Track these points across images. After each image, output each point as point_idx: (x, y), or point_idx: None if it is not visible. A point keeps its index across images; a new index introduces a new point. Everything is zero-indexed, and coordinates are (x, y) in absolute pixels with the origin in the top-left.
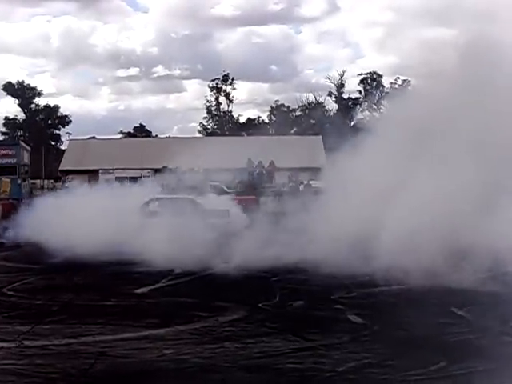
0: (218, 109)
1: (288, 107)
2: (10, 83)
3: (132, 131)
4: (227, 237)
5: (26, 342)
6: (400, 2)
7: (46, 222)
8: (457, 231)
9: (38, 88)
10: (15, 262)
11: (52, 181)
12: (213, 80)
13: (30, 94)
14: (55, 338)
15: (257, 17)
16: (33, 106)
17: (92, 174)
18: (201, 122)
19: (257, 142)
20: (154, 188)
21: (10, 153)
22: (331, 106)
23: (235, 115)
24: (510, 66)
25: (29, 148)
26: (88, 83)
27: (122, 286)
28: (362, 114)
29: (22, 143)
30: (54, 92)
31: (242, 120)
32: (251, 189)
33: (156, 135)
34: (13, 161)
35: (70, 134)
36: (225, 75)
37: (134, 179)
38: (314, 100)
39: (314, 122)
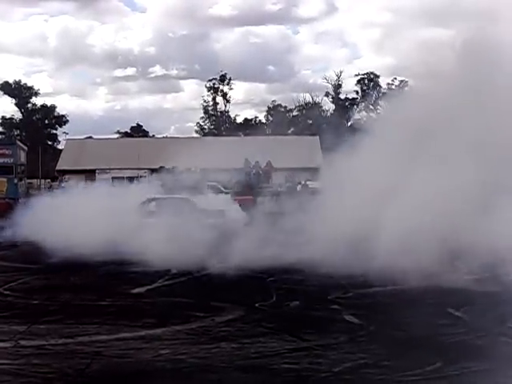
0: (215, 109)
1: (285, 107)
2: (6, 83)
3: (129, 131)
4: (224, 237)
5: (23, 342)
6: (398, 3)
7: (43, 221)
8: (454, 231)
9: (35, 87)
10: (12, 262)
11: (49, 180)
12: (210, 80)
13: (27, 94)
14: (51, 337)
15: (254, 17)
16: (30, 105)
17: (89, 174)
18: (198, 122)
19: (254, 142)
20: (150, 188)
21: (6, 152)
22: (328, 106)
23: (232, 115)
24: (508, 65)
25: (25, 148)
26: (85, 83)
27: (119, 285)
28: (359, 115)
29: (18, 143)
30: (50, 92)
31: (239, 120)
32: (248, 189)
33: (153, 135)
34: (9, 160)
35: (66, 133)
36: (222, 75)
37: (130, 179)
38: (311, 100)
39: (311, 122)
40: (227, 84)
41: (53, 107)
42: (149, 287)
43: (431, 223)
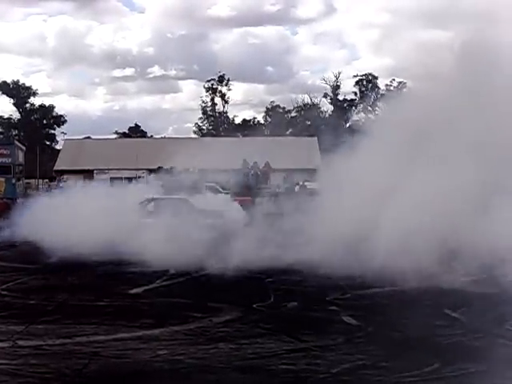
0: (213, 109)
1: (283, 108)
2: (5, 82)
3: (127, 131)
4: (222, 237)
5: (20, 342)
6: (396, 4)
7: (41, 221)
8: (452, 232)
9: (34, 87)
10: (9, 262)
11: (47, 180)
12: (208, 81)
13: (25, 94)
14: (49, 337)
15: (253, 18)
16: (28, 105)
17: (87, 174)
18: (196, 123)
19: (252, 142)
20: (148, 188)
21: (4, 152)
22: (327, 107)
23: (231, 116)
24: (506, 67)
25: (23, 147)
26: (83, 83)
27: (117, 286)
28: (357, 116)
29: (16, 143)
30: (49, 92)
31: (238, 121)
32: (246, 190)
33: (151, 135)
34: (7, 160)
35: (65, 133)
36: (220, 76)
37: (129, 180)
38: (309, 101)
39: (309, 123)
40: (226, 85)
41: (51, 107)
42: (147, 288)
43: (429, 224)
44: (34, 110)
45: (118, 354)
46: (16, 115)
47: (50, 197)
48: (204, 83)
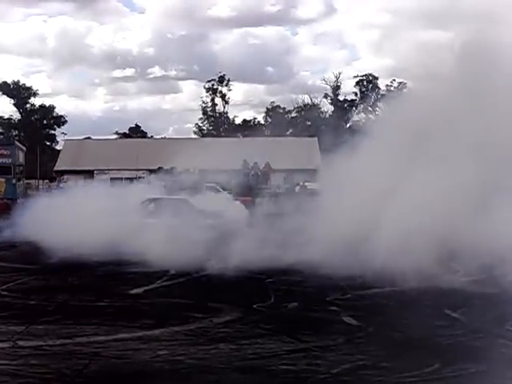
0: (213, 110)
1: (284, 109)
2: (5, 83)
3: (127, 132)
4: (222, 238)
5: (21, 343)
6: (396, 4)
7: (41, 222)
8: (452, 232)
9: (34, 88)
10: (10, 262)
11: (47, 181)
12: (209, 81)
13: (26, 94)
14: (49, 338)
15: (253, 18)
16: (28, 105)
17: (87, 175)
18: (196, 123)
19: (252, 143)
20: (149, 188)
21: (5, 153)
22: (327, 107)
23: (231, 116)
24: (507, 67)
25: (24, 148)
26: (84, 83)
27: (117, 286)
28: (357, 116)
29: (17, 143)
30: (49, 92)
31: (238, 121)
32: (247, 190)
33: (151, 136)
34: (8, 161)
35: (65, 134)
36: (221, 76)
37: (129, 180)
38: (309, 102)
39: (309, 123)
40: (226, 85)
41: (51, 107)
42: (147, 288)
43: (429, 224)
44: (35, 110)
45: (119, 354)
46: (16, 116)
47: (50, 197)
48: (204, 84)
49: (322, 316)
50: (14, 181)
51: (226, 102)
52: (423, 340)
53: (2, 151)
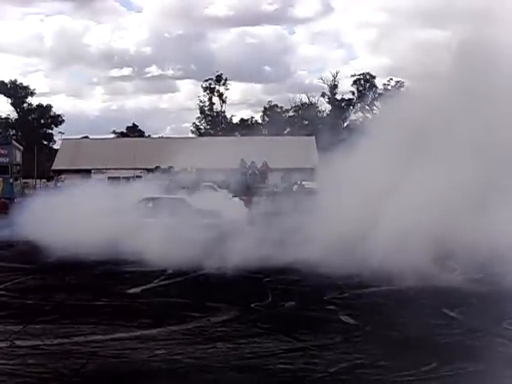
0: (211, 109)
1: (281, 108)
2: (2, 82)
3: (125, 131)
4: (220, 237)
5: (18, 342)
6: (394, 4)
7: (39, 221)
8: (449, 231)
9: (31, 87)
10: (7, 262)
11: (44, 180)
12: (206, 80)
13: (23, 94)
14: (47, 337)
15: (250, 17)
16: (25, 105)
17: (85, 174)
18: (194, 123)
19: (250, 142)
20: (147, 188)
21: (2, 152)
22: (324, 106)
23: (228, 115)
24: (504, 66)
25: (21, 147)
26: (81, 83)
27: (115, 285)
28: (355, 115)
29: (14, 142)
30: (46, 91)
31: (235, 120)
32: (244, 189)
33: (149, 135)
34: (5, 160)
35: (62, 133)
36: (218, 75)
37: (126, 179)
38: (307, 101)
39: (307, 122)
40: (223, 84)
41: (49, 107)
42: (145, 287)
43: (426, 223)
44: (32, 109)
45: (116, 353)
46: (13, 115)
47: (47, 196)
48: (202, 83)
49: (319, 315)
50: (11, 180)
51: (224, 101)
52: (421, 339)
53: None
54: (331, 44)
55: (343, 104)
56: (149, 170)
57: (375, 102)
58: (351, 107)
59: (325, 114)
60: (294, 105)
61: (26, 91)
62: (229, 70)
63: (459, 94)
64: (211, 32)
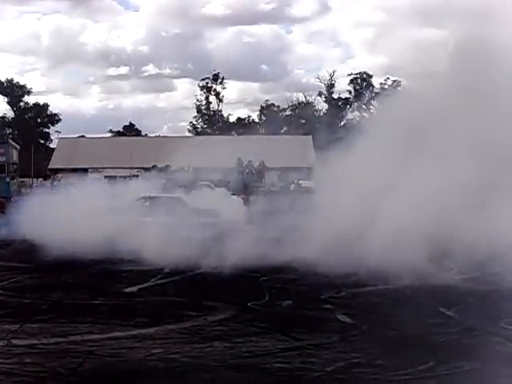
0: (208, 108)
1: (278, 107)
2: None
3: (122, 130)
4: (217, 236)
5: (15, 341)
6: (391, 3)
7: (35, 220)
8: (446, 230)
9: (28, 86)
10: (4, 261)
11: (41, 179)
12: (203, 79)
13: (20, 92)
14: (44, 336)
15: (247, 16)
16: (22, 104)
17: (81, 173)
18: (191, 122)
19: (247, 141)
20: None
21: None
22: (321, 105)
23: (225, 114)
24: (502, 65)
25: (18, 146)
26: (78, 82)
27: (111, 284)
28: (351, 114)
29: (10, 141)
30: (43, 90)
31: (232, 119)
32: (241, 188)
33: (146, 134)
34: (2, 159)
35: (59, 132)
36: (215, 74)
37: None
38: (304, 100)
39: (304, 121)
40: (220, 83)
41: (45, 106)
42: (141, 286)
43: (423, 222)
44: (28, 108)
45: (113, 352)
46: (10, 114)
47: (44, 195)
48: (198, 82)
49: (316, 314)
50: (7, 179)
51: (221, 100)
52: (417, 338)
53: None
54: (328, 43)
55: (340, 103)
56: (146, 169)
57: (372, 101)
58: (348, 106)
59: (322, 113)
60: (290, 104)
61: (22, 90)
62: (226, 68)
63: (456, 92)
64: (208, 31)
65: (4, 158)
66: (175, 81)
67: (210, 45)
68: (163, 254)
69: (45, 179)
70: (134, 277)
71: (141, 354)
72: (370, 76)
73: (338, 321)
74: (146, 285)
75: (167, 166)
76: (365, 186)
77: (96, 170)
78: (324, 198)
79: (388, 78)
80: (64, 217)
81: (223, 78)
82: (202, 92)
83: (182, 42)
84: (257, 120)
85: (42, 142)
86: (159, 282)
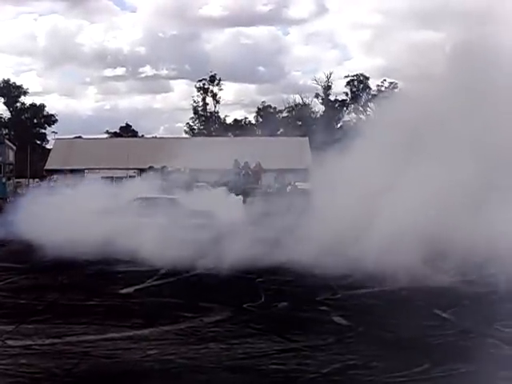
0: (204, 109)
1: (275, 108)
2: None
3: (118, 131)
4: (213, 237)
5: (10, 342)
6: (388, 5)
7: (31, 220)
8: (442, 233)
9: (24, 87)
10: (0, 261)
11: (37, 180)
12: (200, 80)
13: (16, 93)
14: (39, 337)
15: (245, 18)
16: (18, 104)
17: (78, 174)
18: (187, 123)
19: (243, 142)
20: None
21: None
22: (318, 107)
23: (222, 116)
24: (499, 66)
25: (14, 147)
26: (74, 82)
27: (107, 285)
28: (348, 116)
29: (7, 142)
30: (40, 91)
31: (229, 121)
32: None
33: (142, 135)
34: None
35: (55, 133)
36: (212, 76)
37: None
38: (300, 101)
39: (300, 123)
40: (217, 84)
41: (42, 106)
42: (137, 287)
43: (419, 224)
44: (25, 109)
45: (108, 353)
46: (6, 114)
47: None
48: (195, 83)
49: (311, 316)
50: (3, 179)
51: (217, 102)
52: (413, 340)
53: None
54: (325, 45)
55: (337, 105)
56: (142, 170)
57: (369, 103)
58: (345, 108)
59: (318, 115)
60: (287, 105)
61: (19, 90)
62: (223, 70)
63: (453, 94)
64: (205, 32)
65: (0, 159)
66: (172, 82)
67: (207, 46)
68: (159, 255)
69: (41, 180)
70: (130, 278)
71: (136, 355)
72: (367, 78)
73: (334, 323)
74: (141, 286)
75: (164, 167)
76: (361, 187)
77: (92, 170)
78: (320, 199)
79: (385, 80)
80: (60, 218)
81: (220, 80)
82: (198, 93)
83: (179, 43)
84: (253, 121)
85: (38, 142)
86: (155, 283)
